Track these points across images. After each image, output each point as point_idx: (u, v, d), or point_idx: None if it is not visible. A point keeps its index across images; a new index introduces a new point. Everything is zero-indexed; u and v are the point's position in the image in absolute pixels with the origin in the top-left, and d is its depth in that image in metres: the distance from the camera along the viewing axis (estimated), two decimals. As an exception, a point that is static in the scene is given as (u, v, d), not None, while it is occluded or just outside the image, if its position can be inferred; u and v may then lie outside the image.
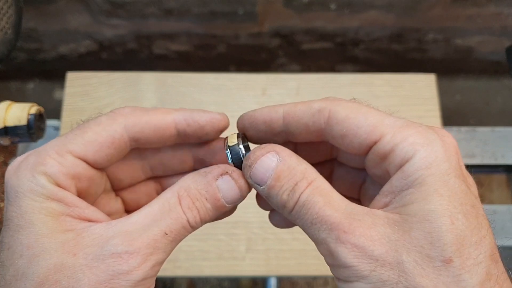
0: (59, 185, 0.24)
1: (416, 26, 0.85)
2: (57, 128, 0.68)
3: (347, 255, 0.22)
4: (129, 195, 0.30)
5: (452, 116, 0.98)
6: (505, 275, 0.22)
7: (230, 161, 0.26)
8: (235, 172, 0.26)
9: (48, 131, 0.64)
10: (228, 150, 0.27)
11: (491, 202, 0.98)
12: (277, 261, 0.59)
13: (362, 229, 0.22)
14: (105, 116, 0.26)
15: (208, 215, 0.26)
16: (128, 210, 0.30)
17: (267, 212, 0.30)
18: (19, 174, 0.24)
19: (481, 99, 1.00)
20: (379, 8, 0.80)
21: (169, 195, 0.25)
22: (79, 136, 0.25)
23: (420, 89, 0.69)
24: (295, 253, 0.60)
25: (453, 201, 0.22)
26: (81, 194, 0.25)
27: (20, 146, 0.71)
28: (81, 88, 0.68)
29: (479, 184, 0.24)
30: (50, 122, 0.67)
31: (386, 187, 0.24)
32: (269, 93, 0.68)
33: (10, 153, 0.80)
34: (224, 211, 0.26)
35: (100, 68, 0.72)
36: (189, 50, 0.90)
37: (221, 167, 0.26)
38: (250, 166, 0.25)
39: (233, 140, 0.27)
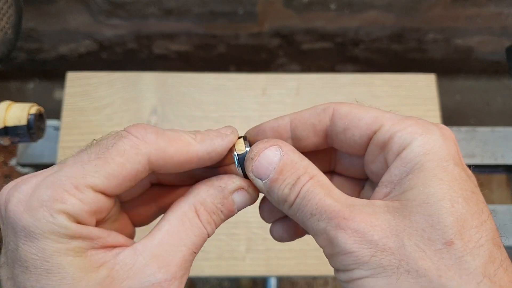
0: (80, 223, 0.22)
1: (416, 26, 0.85)
2: (57, 128, 0.68)
3: (347, 240, 0.22)
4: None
5: (452, 116, 0.98)
6: (508, 261, 0.22)
7: (237, 164, 0.27)
8: (251, 187, 0.27)
9: (48, 131, 0.64)
10: (236, 155, 0.27)
11: (491, 202, 0.98)
12: (277, 261, 0.59)
13: (363, 216, 0.22)
14: (127, 142, 0.24)
15: (221, 223, 0.26)
16: (123, 201, 0.29)
17: None
18: (33, 213, 0.21)
19: (481, 99, 1.00)
20: (379, 8, 0.80)
21: (186, 209, 0.25)
22: (101, 168, 0.23)
23: (420, 89, 0.69)
24: (295, 253, 0.60)
25: (453, 186, 0.22)
26: (98, 223, 0.24)
27: (20, 146, 0.71)
28: (81, 88, 0.68)
29: (479, 182, 0.24)
30: (50, 122, 0.67)
31: (385, 177, 0.24)
32: (269, 93, 0.68)
33: (10, 153, 0.80)
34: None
35: (100, 68, 0.72)
36: (189, 50, 0.90)
37: (236, 182, 0.26)
38: (252, 159, 0.25)
39: (240, 148, 0.27)
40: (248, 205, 0.27)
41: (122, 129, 0.25)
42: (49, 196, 0.21)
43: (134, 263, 0.23)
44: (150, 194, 0.30)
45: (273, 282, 0.64)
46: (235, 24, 0.82)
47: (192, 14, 0.79)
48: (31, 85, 0.93)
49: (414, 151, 0.23)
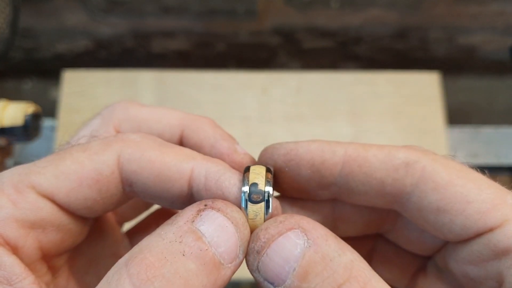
0: (3, 237, 0.16)
1: (419, 24, 0.84)
2: (54, 128, 0.67)
3: None
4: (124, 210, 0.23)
5: (455, 116, 0.97)
6: None
7: (244, 205, 0.18)
8: (220, 200, 0.17)
9: (45, 131, 0.63)
10: (245, 195, 0.18)
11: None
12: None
13: None
14: (99, 140, 0.18)
15: (194, 286, 0.15)
16: (131, 233, 0.23)
17: None
18: None
19: (484, 98, 0.99)
20: (381, 6, 0.79)
21: (111, 270, 0.15)
22: (52, 165, 0.17)
23: (423, 87, 0.68)
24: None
25: None
26: (47, 253, 0.17)
27: (17, 146, 0.70)
28: (78, 88, 0.67)
29: None
30: (47, 122, 0.66)
31: None
32: (270, 92, 0.67)
33: (7, 153, 0.79)
34: (222, 278, 0.15)
35: (97, 67, 0.71)
36: (188, 49, 0.89)
37: (196, 203, 0.17)
38: (259, 252, 0.16)
39: (256, 181, 0.18)
40: (233, 242, 0.16)
41: None
42: None
43: None
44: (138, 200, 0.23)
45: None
46: (234, 22, 0.81)
47: (191, 12, 0.78)
48: (27, 84, 0.93)
49: None
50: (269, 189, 0.18)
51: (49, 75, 0.93)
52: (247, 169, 0.18)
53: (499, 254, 0.16)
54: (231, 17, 0.80)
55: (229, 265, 0.16)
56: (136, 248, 0.15)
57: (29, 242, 0.16)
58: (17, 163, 0.73)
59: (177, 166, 0.17)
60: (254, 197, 0.17)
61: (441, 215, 0.17)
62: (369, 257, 0.21)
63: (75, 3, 0.76)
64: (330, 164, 0.17)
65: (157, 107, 0.22)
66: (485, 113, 0.99)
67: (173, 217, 0.16)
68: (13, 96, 0.63)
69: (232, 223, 0.16)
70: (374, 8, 0.79)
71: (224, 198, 0.18)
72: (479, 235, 0.16)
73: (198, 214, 0.16)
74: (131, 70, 0.68)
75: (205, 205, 0.16)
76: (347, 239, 0.18)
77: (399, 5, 0.79)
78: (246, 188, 0.18)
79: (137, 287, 0.14)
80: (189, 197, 0.18)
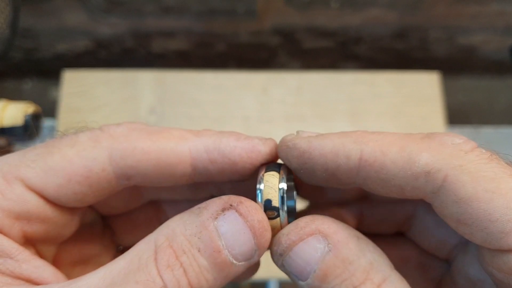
0: None
1: (419, 24, 0.84)
2: (53, 128, 0.67)
3: None
4: (122, 224, 0.22)
5: (455, 116, 0.97)
6: None
7: (260, 200, 0.18)
8: (245, 204, 0.17)
9: (45, 131, 0.63)
10: (261, 192, 0.18)
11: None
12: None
13: None
14: (87, 133, 0.17)
15: (204, 278, 0.16)
16: (123, 246, 0.23)
17: None
18: None
19: (484, 98, 0.99)
20: (381, 6, 0.79)
21: (142, 246, 0.16)
22: (41, 159, 0.17)
23: (423, 87, 0.68)
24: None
25: None
26: (31, 239, 0.17)
27: (17, 145, 0.70)
28: (78, 87, 0.67)
29: None
30: (47, 122, 0.66)
31: None
32: (270, 92, 0.67)
33: (7, 153, 0.79)
34: (234, 272, 0.16)
35: (97, 67, 0.71)
36: (188, 49, 0.89)
37: (224, 198, 0.17)
38: (281, 255, 0.17)
39: (270, 181, 0.18)
40: (250, 247, 0.16)
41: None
42: None
43: None
44: (151, 209, 0.23)
45: (272, 286, 0.63)
46: (234, 22, 0.81)
47: (191, 12, 0.78)
48: (27, 84, 0.93)
49: None
50: (283, 205, 0.17)
51: (49, 75, 0.93)
52: (262, 171, 0.18)
53: None
54: (231, 17, 0.80)
55: (242, 263, 0.16)
56: (163, 230, 0.16)
57: (14, 231, 0.17)
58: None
59: (174, 151, 0.18)
60: (269, 214, 0.17)
61: (462, 227, 0.16)
62: (409, 224, 0.21)
63: (75, 3, 0.76)
64: (345, 169, 0.17)
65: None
66: (485, 113, 0.99)
67: (200, 206, 0.17)
68: (13, 96, 0.63)
69: (251, 231, 0.16)
70: (374, 8, 0.79)
71: (232, 163, 0.18)
72: (501, 251, 0.15)
73: (222, 212, 0.16)
74: (131, 70, 0.68)
75: (231, 205, 0.16)
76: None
77: (399, 5, 0.79)
78: (259, 187, 0.18)
79: (160, 271, 0.15)
80: (192, 176, 0.18)
